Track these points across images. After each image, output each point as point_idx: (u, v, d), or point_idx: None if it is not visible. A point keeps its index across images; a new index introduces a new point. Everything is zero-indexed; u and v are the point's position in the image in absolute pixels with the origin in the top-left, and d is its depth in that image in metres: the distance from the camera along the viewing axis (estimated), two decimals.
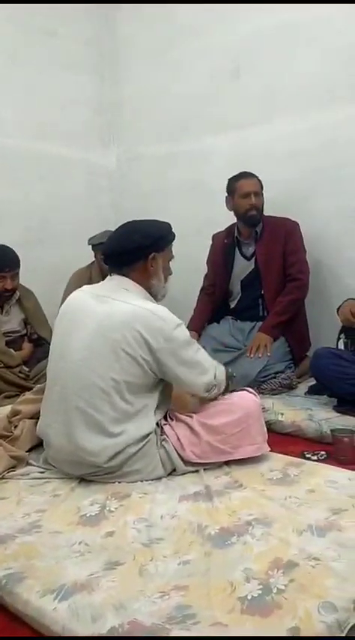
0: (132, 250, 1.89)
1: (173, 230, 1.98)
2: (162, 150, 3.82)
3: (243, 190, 3.00)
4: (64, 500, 1.69)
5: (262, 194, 3.02)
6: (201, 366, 1.88)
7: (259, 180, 3.02)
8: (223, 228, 3.22)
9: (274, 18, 3.16)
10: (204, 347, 2.98)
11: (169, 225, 1.98)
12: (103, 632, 1.12)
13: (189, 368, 1.84)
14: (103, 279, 2.04)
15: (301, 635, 1.06)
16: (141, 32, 3.86)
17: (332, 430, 2.15)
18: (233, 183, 3.04)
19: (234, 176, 3.06)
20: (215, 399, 1.97)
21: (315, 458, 2.09)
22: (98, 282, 2.09)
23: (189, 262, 3.06)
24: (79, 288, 2.01)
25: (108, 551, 1.41)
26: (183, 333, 1.85)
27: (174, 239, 1.98)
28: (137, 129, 4.00)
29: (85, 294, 1.95)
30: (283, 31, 3.14)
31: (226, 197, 3.09)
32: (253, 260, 3.08)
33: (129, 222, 2.00)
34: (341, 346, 2.66)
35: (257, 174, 3.02)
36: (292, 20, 3.09)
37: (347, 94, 2.96)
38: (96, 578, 1.29)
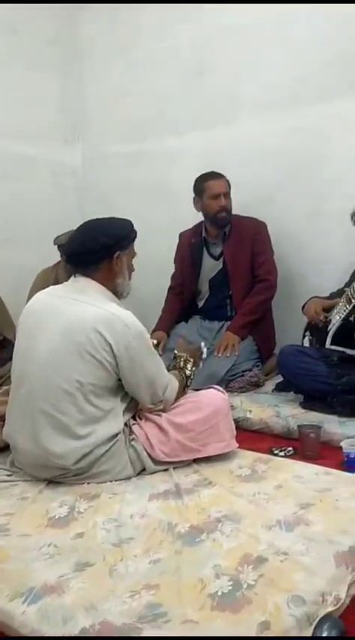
0: (97, 250, 1.86)
1: (134, 227, 1.97)
2: (126, 149, 3.81)
3: (212, 191, 2.99)
4: (32, 502, 1.67)
5: (230, 194, 3.02)
6: (155, 378, 1.86)
7: (227, 181, 3.02)
8: (189, 227, 3.22)
9: (239, 18, 3.17)
10: (173, 347, 3.03)
11: (131, 222, 1.97)
12: (75, 633, 1.11)
13: (144, 377, 1.82)
14: (69, 279, 2.02)
15: (271, 629, 1.07)
16: (106, 32, 3.84)
17: (298, 426, 2.18)
18: (201, 184, 3.03)
19: (202, 176, 3.04)
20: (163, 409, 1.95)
21: (283, 454, 2.13)
22: (64, 281, 2.07)
23: (155, 262, 3.07)
24: (44, 290, 1.99)
25: (77, 553, 1.40)
26: (145, 341, 1.83)
27: (136, 236, 1.97)
28: (102, 128, 3.98)
29: (49, 295, 1.93)
30: (248, 31, 3.16)
31: (194, 198, 3.08)
32: (221, 260, 3.09)
33: (89, 222, 1.97)
34: (306, 343, 2.71)
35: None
36: (257, 20, 3.11)
37: (311, 95, 2.99)
38: (66, 580, 1.28)
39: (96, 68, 3.96)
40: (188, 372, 2.08)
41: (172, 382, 1.95)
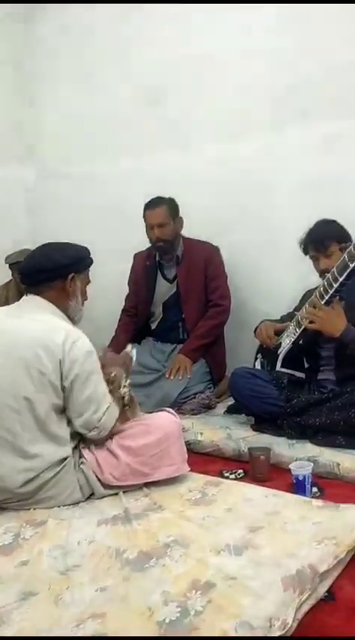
0: (52, 269, 1.88)
1: (91, 255, 1.99)
2: (80, 170, 3.80)
3: (147, 222, 3.00)
4: None
5: (171, 222, 2.99)
6: (96, 401, 1.80)
7: (169, 207, 2.98)
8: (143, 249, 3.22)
9: (191, 48, 3.23)
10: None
11: (88, 249, 1.99)
12: None
13: (86, 398, 1.79)
14: (20, 299, 2.00)
15: None
16: (59, 53, 3.85)
17: (249, 448, 2.19)
18: (143, 212, 3.03)
19: (146, 204, 3.02)
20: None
21: (233, 476, 2.13)
22: (15, 301, 2.05)
23: (109, 283, 3.06)
24: None
25: (21, 581, 1.36)
26: (92, 362, 1.82)
27: (91, 263, 1.99)
28: (56, 148, 3.97)
29: None
30: (199, 61, 3.22)
31: None
32: (175, 283, 3.10)
33: (48, 244, 1.99)
34: (258, 366, 2.74)
35: (174, 198, 3.03)
36: (209, 51, 3.18)
37: (262, 123, 3.06)
38: (8, 611, 1.24)
39: (49, 88, 3.95)
40: (124, 390, 1.99)
41: (112, 409, 1.87)
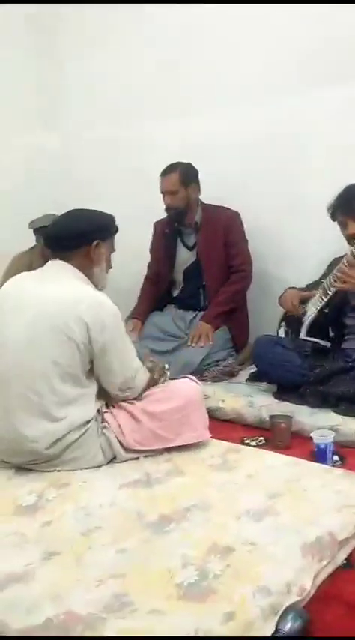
0: (77, 235, 1.89)
1: (116, 223, 1.98)
2: (103, 135, 3.74)
3: (160, 188, 2.98)
4: (0, 490, 1.65)
5: (183, 189, 2.94)
6: (127, 362, 1.86)
7: (182, 173, 2.94)
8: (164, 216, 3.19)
9: (216, 8, 3.13)
10: (147, 334, 3.00)
11: (113, 217, 1.99)
12: (38, 623, 1.10)
13: (116, 359, 1.82)
14: (45, 263, 2.00)
15: (236, 620, 1.08)
16: (83, 15, 3.76)
17: (270, 416, 2.19)
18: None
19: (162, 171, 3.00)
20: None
21: (254, 444, 2.14)
22: (39, 266, 2.06)
23: (133, 250, 3.03)
24: (18, 275, 1.98)
25: (45, 541, 1.39)
26: (120, 323, 1.85)
27: (117, 231, 1.99)
28: (79, 113, 3.91)
29: (23, 279, 1.94)
30: (225, 21, 3.12)
31: None
32: (195, 250, 3.07)
33: (74, 210, 2.00)
34: (281, 334, 2.72)
35: (191, 164, 2.98)
36: (234, 10, 3.08)
37: (289, 85, 2.96)
38: (32, 569, 1.27)
39: (72, 51, 3.88)
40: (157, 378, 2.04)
41: (143, 370, 1.94)
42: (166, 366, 2.14)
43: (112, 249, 2.00)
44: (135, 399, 1.93)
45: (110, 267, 2.00)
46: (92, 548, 1.35)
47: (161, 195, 3.00)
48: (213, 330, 2.93)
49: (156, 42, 3.43)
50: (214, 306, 2.99)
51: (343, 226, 2.40)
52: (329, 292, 2.40)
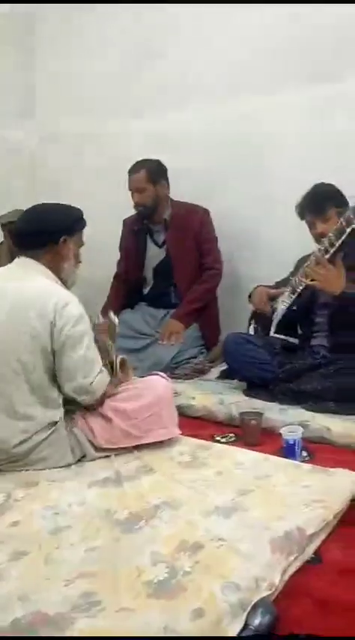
0: (44, 232, 1.86)
1: (84, 217, 1.96)
2: (77, 129, 3.72)
3: (128, 186, 2.97)
4: None
5: (150, 187, 2.94)
6: (84, 369, 1.79)
7: (149, 171, 2.93)
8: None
9: (190, 9, 3.14)
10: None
11: (81, 211, 1.96)
12: (6, 624, 1.09)
13: (72, 364, 1.77)
14: (12, 259, 1.98)
15: (205, 617, 1.08)
16: (58, 8, 3.73)
17: (240, 413, 2.20)
18: None
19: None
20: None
21: (224, 440, 2.14)
22: (7, 261, 2.03)
23: (104, 246, 3.02)
24: None
25: (13, 542, 1.37)
26: (84, 324, 1.80)
27: (85, 226, 1.96)
28: (53, 106, 3.87)
29: None
30: (198, 17, 3.13)
31: None
32: (165, 248, 3.06)
33: (40, 204, 1.97)
34: (251, 331, 2.73)
35: (160, 161, 2.98)
36: (207, 11, 3.09)
37: (260, 83, 2.99)
38: (0, 570, 1.25)
39: (46, 48, 3.84)
40: (112, 356, 1.99)
41: (103, 374, 1.87)
42: (111, 315, 2.10)
43: (81, 244, 1.97)
44: (98, 401, 1.87)
45: (79, 262, 1.97)
46: (61, 547, 1.34)
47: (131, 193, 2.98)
48: (183, 328, 2.93)
49: (129, 40, 3.43)
50: (185, 304, 2.99)
51: (311, 225, 2.42)
52: (298, 290, 2.43)
